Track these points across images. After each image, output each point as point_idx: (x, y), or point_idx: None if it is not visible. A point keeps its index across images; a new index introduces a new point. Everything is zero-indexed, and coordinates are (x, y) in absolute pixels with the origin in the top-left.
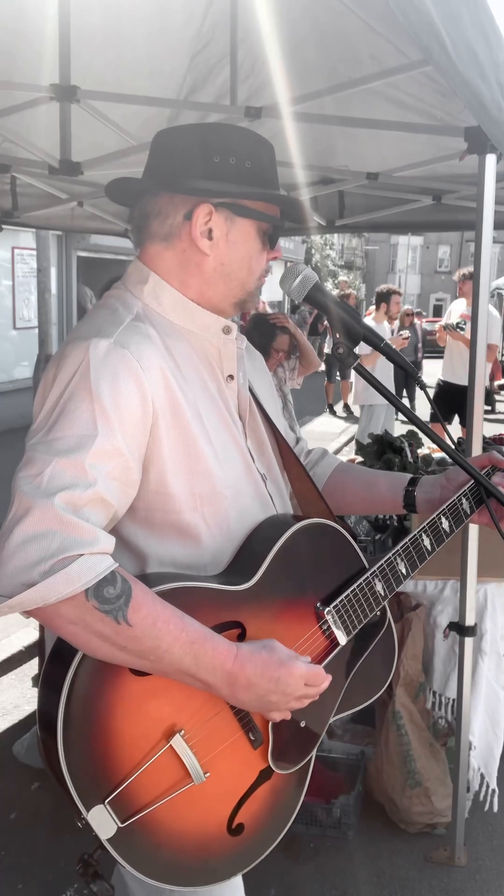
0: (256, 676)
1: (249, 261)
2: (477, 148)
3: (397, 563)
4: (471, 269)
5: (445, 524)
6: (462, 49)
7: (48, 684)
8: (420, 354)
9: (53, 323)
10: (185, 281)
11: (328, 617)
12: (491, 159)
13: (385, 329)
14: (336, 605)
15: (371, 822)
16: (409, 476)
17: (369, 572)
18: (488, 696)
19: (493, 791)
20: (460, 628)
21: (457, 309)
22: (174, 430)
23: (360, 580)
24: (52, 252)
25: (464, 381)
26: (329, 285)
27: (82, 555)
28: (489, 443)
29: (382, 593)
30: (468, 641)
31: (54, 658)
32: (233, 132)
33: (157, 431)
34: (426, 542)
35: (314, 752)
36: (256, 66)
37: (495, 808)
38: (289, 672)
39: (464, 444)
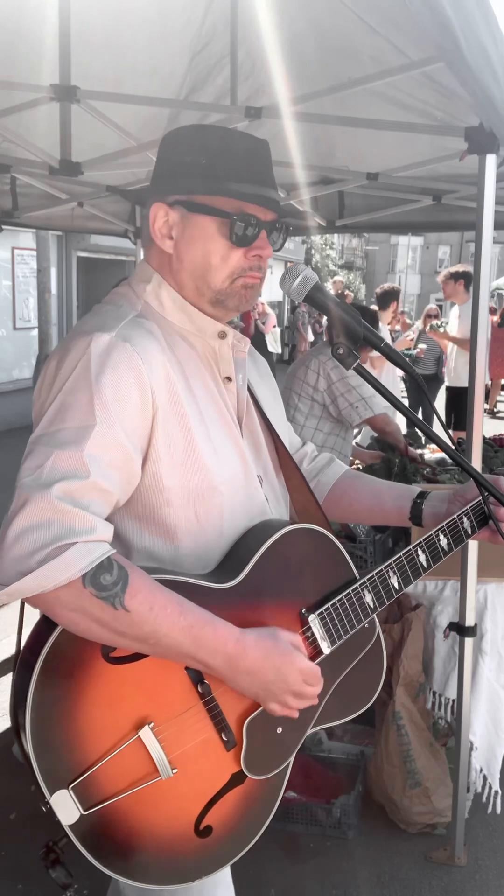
0: (259, 662)
1: (210, 258)
2: (477, 148)
3: (389, 577)
4: (455, 268)
5: (444, 542)
6: (475, 47)
7: (22, 666)
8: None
9: (53, 323)
10: (167, 279)
11: (312, 623)
12: (491, 159)
13: (385, 331)
14: (321, 613)
15: (371, 822)
16: (417, 489)
17: (359, 582)
18: (489, 696)
19: (496, 793)
20: (460, 628)
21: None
22: (173, 424)
23: (349, 589)
24: (52, 252)
25: (464, 383)
26: (329, 286)
27: (77, 542)
28: (490, 443)
29: (372, 605)
30: (468, 641)
31: (30, 642)
32: (199, 131)
33: (156, 424)
34: (422, 557)
35: (290, 761)
36: (256, 67)
37: (498, 810)
38: (290, 662)
39: (464, 445)
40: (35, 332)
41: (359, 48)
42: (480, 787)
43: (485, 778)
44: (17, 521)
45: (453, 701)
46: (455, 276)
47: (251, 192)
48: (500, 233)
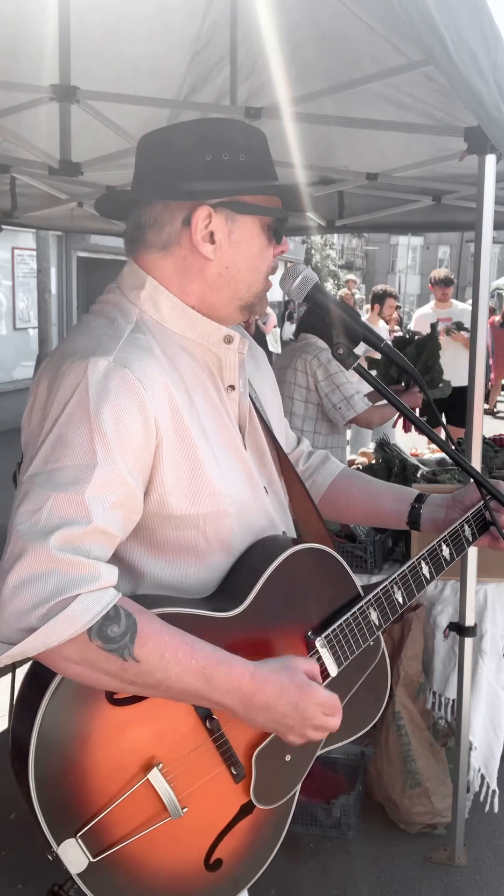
0: (275, 699)
1: (256, 259)
2: (477, 148)
3: (394, 592)
4: (441, 272)
5: (446, 552)
6: (462, 50)
7: (21, 710)
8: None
9: (53, 323)
10: (185, 288)
11: (319, 647)
12: (491, 159)
13: (382, 329)
14: (328, 635)
15: (371, 822)
16: (416, 492)
17: (364, 601)
18: (489, 696)
19: (494, 792)
20: (460, 628)
21: (429, 314)
22: (178, 449)
23: (355, 609)
24: (52, 252)
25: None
26: (329, 285)
27: (80, 594)
28: (490, 443)
29: (377, 623)
30: (468, 642)
31: (30, 681)
32: (222, 126)
33: (160, 453)
34: (425, 570)
35: (298, 788)
36: (256, 67)
37: (496, 809)
38: (308, 697)
39: (464, 445)
40: (35, 332)
41: (359, 48)
42: (478, 787)
43: (483, 777)
44: (15, 572)
45: (453, 701)
46: (438, 282)
47: (287, 187)
48: (500, 233)
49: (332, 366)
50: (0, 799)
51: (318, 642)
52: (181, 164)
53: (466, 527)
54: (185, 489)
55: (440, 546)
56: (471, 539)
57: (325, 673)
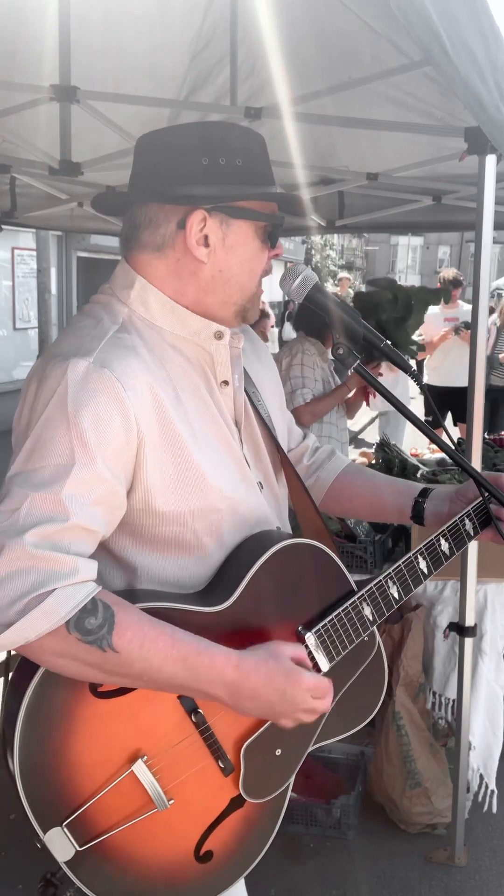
0: (261, 686)
1: (250, 263)
2: (477, 148)
3: (389, 587)
4: (450, 273)
5: (445, 546)
6: (460, 50)
7: (7, 703)
8: None
9: (53, 323)
10: (179, 289)
11: (309, 641)
12: (491, 160)
13: None
14: (318, 630)
15: (371, 822)
16: (420, 486)
17: (357, 595)
18: (488, 696)
19: (493, 792)
20: (460, 629)
21: (437, 314)
22: (163, 447)
23: (347, 603)
24: (52, 252)
25: (449, 383)
26: (329, 285)
27: (57, 588)
28: (490, 443)
29: (371, 618)
30: (468, 642)
31: (16, 676)
32: (220, 130)
33: (143, 451)
34: (422, 564)
35: (290, 782)
36: (256, 67)
37: (494, 809)
38: (295, 683)
39: (464, 445)
40: (35, 332)
41: (359, 48)
42: (477, 787)
43: (481, 777)
44: None
45: (453, 701)
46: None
47: (283, 195)
48: (500, 233)
49: (295, 359)
50: (0, 799)
51: (308, 637)
52: (178, 166)
53: (467, 521)
54: (171, 486)
55: (438, 541)
56: (472, 534)
57: (315, 668)
